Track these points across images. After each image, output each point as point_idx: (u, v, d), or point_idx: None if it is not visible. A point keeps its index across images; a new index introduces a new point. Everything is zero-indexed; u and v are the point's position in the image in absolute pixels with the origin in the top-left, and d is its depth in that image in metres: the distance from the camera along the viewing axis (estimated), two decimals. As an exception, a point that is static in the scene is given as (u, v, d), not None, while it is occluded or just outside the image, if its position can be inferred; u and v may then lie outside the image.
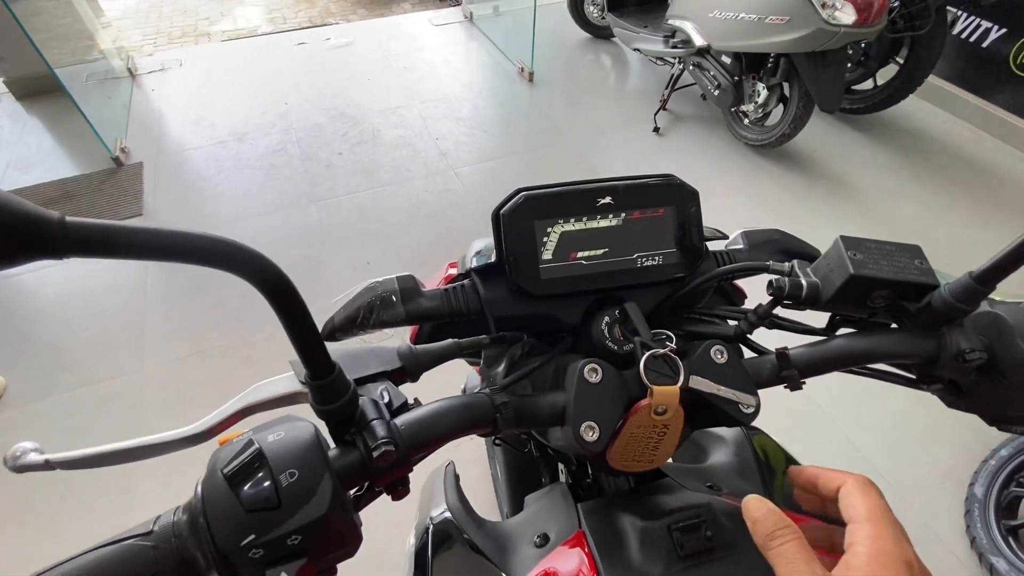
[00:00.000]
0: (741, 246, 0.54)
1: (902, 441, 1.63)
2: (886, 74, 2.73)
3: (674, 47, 2.61)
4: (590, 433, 0.36)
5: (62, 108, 2.79)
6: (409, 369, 0.41)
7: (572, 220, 0.45)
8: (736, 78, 2.39)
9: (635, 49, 2.90)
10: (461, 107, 2.98)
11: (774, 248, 0.54)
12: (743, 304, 0.58)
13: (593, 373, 0.39)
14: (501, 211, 0.44)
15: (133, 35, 4.23)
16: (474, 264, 0.46)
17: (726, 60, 2.41)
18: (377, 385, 0.37)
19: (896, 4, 2.46)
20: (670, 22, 2.60)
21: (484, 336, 0.44)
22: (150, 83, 3.24)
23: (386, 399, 0.35)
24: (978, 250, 2.22)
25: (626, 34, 2.91)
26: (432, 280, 0.57)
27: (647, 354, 0.38)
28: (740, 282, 0.57)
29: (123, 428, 1.62)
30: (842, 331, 0.44)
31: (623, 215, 0.46)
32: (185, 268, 2.17)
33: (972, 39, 2.82)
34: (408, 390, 0.40)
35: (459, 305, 0.46)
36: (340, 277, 2.07)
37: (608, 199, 0.45)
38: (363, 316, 0.45)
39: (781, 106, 2.41)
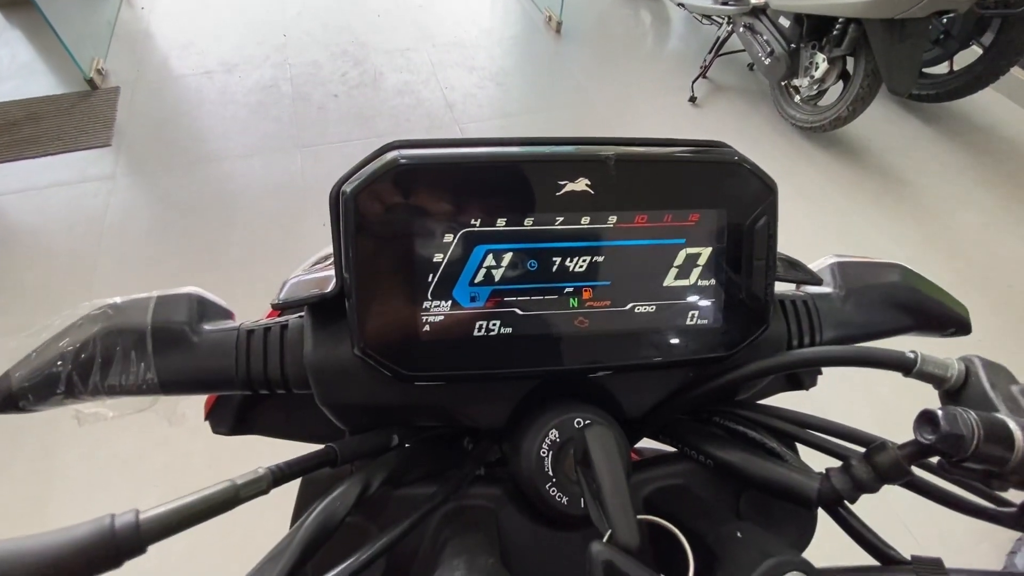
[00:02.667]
0: (830, 291, 0.31)
1: (937, 491, 1.40)
2: (964, 59, 2.36)
3: (725, 3, 2.26)
4: None
5: (42, 20, 2.54)
6: None
7: (501, 221, 0.22)
8: (793, 46, 2.06)
9: (679, 4, 2.55)
10: (476, 55, 2.67)
11: (889, 299, 0.30)
12: (813, 383, 0.35)
13: None
14: (343, 186, 0.21)
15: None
16: (287, 292, 0.24)
17: (784, 23, 2.07)
18: None
19: (995, -27, 2.08)
20: (723, -26, 2.24)
21: (260, 472, 0.21)
22: (141, 0, 2.96)
23: None
24: (1048, 273, 1.92)
25: (671, -14, 2.55)
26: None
27: None
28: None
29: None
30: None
31: (613, 220, 0.22)
32: (150, 207, 1.96)
33: (1075, 25, 2.41)
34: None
35: (267, 368, 0.24)
36: (318, 237, 1.85)
37: (583, 183, 0.22)
38: (72, 374, 0.23)
39: (841, 84, 2.08)
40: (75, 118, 2.19)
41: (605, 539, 0.19)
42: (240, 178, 2.03)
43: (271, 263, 1.77)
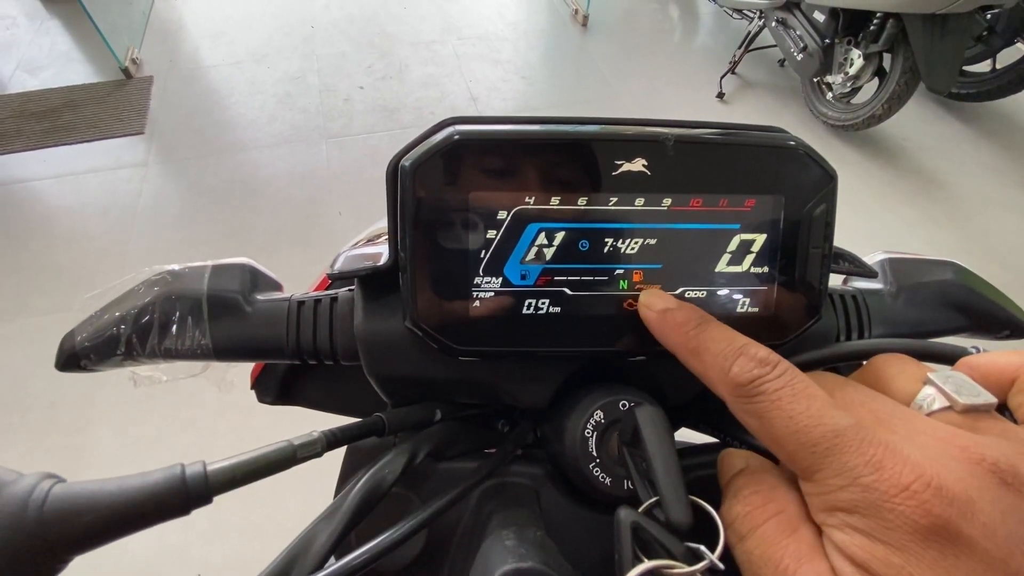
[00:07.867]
0: (881, 287, 0.30)
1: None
2: (1007, 57, 2.28)
3: (757, -2, 2.21)
4: None
5: (79, 10, 2.62)
6: None
7: (555, 200, 0.22)
8: (827, 41, 2.01)
9: (709, -2, 2.50)
10: (502, 48, 2.66)
11: (941, 298, 0.29)
12: None
13: None
14: (402, 160, 0.21)
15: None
16: (342, 264, 0.24)
17: (819, 17, 2.02)
18: None
19: (1046, -34, 1.99)
20: (756, -33, 2.20)
21: (314, 435, 0.21)
22: (175, -9, 3.01)
23: None
24: (1091, 281, 1.85)
25: (701, -21, 2.51)
26: (315, 280, 0.34)
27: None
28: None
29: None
30: None
31: (667, 202, 0.22)
32: (180, 194, 2.01)
33: None
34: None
35: (316, 339, 0.25)
36: (344, 226, 1.88)
37: (640, 163, 0.21)
38: (131, 336, 0.24)
39: (876, 81, 2.02)
40: (111, 106, 2.24)
41: (641, 510, 0.19)
42: (267, 167, 2.06)
43: (295, 251, 1.80)
